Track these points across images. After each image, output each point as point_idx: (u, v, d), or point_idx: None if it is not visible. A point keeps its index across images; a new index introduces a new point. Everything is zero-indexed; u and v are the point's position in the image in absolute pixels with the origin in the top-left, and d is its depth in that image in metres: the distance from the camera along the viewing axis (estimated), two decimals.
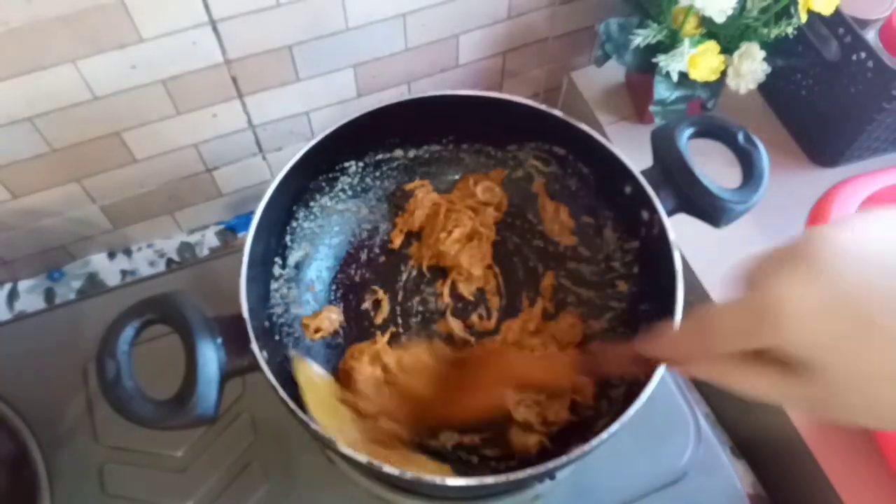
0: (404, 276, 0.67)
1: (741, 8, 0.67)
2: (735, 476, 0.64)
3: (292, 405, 0.48)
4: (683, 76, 0.69)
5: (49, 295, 0.79)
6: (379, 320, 0.65)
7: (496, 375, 0.54)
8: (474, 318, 0.66)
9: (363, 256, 0.68)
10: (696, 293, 0.70)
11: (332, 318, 0.64)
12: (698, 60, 0.67)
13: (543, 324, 0.64)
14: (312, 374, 0.58)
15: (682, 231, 0.55)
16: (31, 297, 0.79)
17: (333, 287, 0.66)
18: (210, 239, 0.84)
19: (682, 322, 0.35)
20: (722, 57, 0.67)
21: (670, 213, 0.56)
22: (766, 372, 0.31)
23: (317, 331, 0.63)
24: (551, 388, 0.57)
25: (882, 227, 0.28)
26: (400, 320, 0.66)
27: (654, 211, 0.56)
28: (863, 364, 0.27)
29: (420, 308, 0.66)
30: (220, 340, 0.48)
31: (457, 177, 0.70)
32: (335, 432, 0.51)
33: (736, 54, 0.68)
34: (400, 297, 0.67)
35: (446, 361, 0.58)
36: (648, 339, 0.38)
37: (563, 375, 0.52)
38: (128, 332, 0.47)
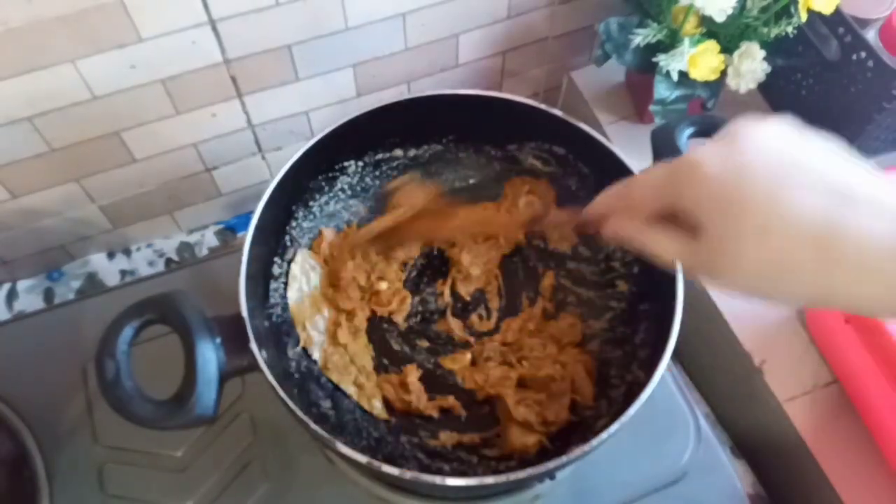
0: (403, 276, 0.67)
1: (741, 7, 0.67)
2: (735, 476, 0.64)
3: (292, 405, 0.48)
4: (683, 75, 0.69)
5: (48, 295, 0.79)
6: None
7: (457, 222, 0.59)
8: (474, 318, 0.65)
9: None
10: (696, 292, 0.70)
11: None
12: (698, 60, 0.67)
13: (543, 323, 0.64)
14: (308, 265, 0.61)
15: None
16: (30, 297, 0.78)
17: None
18: (209, 239, 0.84)
19: (610, 187, 0.41)
20: (722, 56, 0.67)
21: None
22: (672, 234, 0.36)
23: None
24: (499, 233, 0.67)
25: (796, 130, 0.33)
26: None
27: None
28: (740, 221, 0.32)
29: (420, 308, 0.66)
30: (219, 340, 0.48)
31: (456, 177, 0.70)
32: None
33: (736, 54, 0.67)
34: None
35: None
36: (590, 207, 0.42)
37: (510, 227, 0.62)
38: (127, 332, 0.47)
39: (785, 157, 0.32)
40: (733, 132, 0.34)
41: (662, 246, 0.37)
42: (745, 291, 0.34)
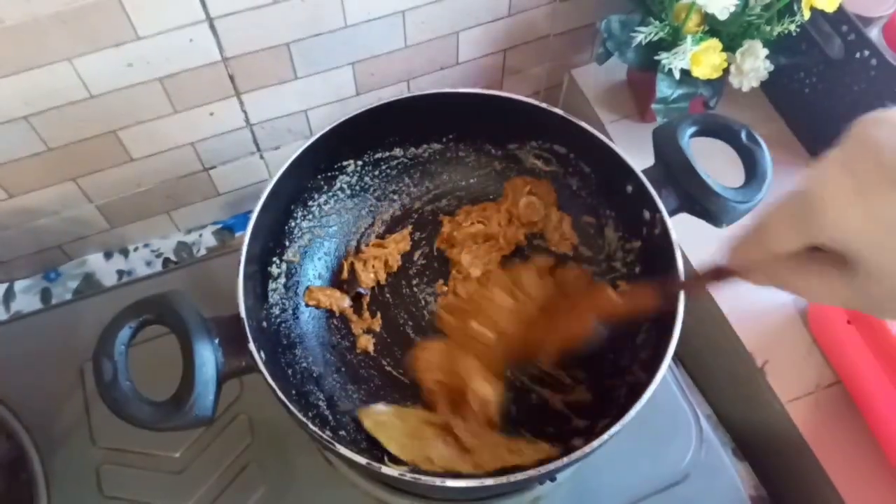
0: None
1: (744, 5, 0.66)
2: (737, 478, 0.64)
3: (290, 406, 0.48)
4: (686, 74, 0.68)
5: (45, 295, 0.78)
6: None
7: (581, 306, 0.54)
8: None
9: None
10: (698, 293, 0.69)
11: (337, 296, 0.64)
12: (701, 58, 0.66)
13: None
14: (377, 416, 0.57)
15: (684, 231, 0.54)
16: (27, 298, 0.78)
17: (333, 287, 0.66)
18: (207, 238, 0.83)
19: (740, 234, 0.36)
20: (724, 54, 0.67)
21: (672, 213, 0.56)
22: (822, 271, 0.31)
23: (315, 302, 0.63)
24: (631, 316, 0.56)
25: None
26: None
27: (655, 210, 0.56)
28: (893, 258, 0.27)
29: (419, 307, 0.66)
30: (217, 341, 0.48)
31: (456, 176, 0.70)
32: (424, 460, 0.53)
33: (738, 52, 0.67)
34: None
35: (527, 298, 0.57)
36: (723, 256, 0.38)
37: (644, 306, 0.51)
38: (125, 333, 0.47)
39: None
40: (854, 136, 0.29)
41: (821, 292, 0.32)
42: None
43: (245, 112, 0.72)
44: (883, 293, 0.29)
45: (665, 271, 0.54)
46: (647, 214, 0.57)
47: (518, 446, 0.55)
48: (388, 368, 0.63)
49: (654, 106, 0.70)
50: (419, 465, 0.54)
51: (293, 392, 0.55)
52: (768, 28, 0.67)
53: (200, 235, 0.84)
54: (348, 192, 0.67)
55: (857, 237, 0.28)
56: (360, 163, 0.66)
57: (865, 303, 0.31)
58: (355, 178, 0.67)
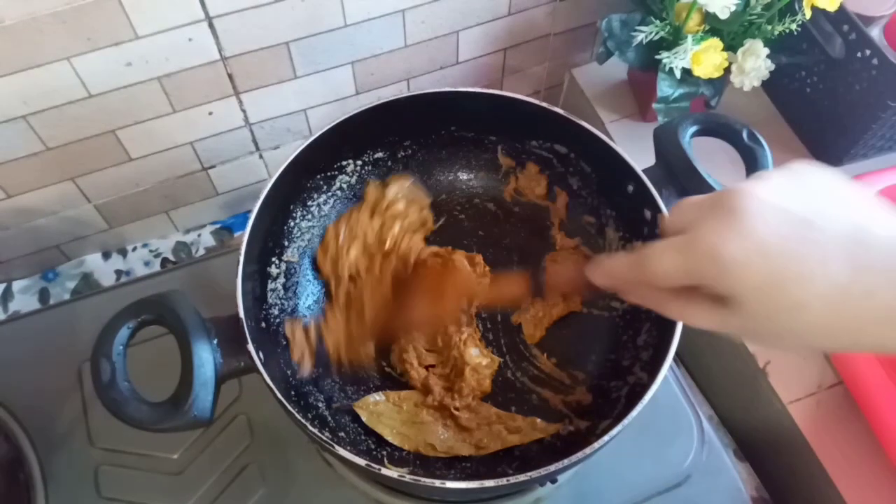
0: None
1: (745, 4, 0.66)
2: (739, 479, 0.63)
3: (289, 407, 0.48)
4: (686, 73, 0.68)
5: (43, 295, 0.78)
6: None
7: (452, 289, 0.60)
8: None
9: None
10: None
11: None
12: (701, 57, 0.66)
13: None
14: (373, 406, 0.58)
15: None
16: (25, 298, 0.78)
17: None
18: (206, 238, 0.83)
19: (622, 256, 0.39)
20: (725, 54, 0.67)
21: None
22: (699, 303, 0.36)
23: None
24: (504, 303, 0.63)
25: (792, 183, 0.33)
26: None
27: (656, 210, 0.55)
28: (775, 300, 0.32)
29: None
30: (216, 341, 0.48)
31: (456, 176, 0.70)
32: (426, 446, 0.56)
33: (740, 51, 0.67)
34: None
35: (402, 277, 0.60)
36: (595, 267, 0.41)
37: (514, 294, 0.55)
38: (123, 333, 0.46)
39: (795, 219, 0.32)
40: (730, 207, 0.33)
41: (696, 318, 0.36)
42: (791, 350, 0.35)
43: (244, 111, 0.72)
44: (760, 325, 0.34)
45: None
46: (647, 214, 0.57)
47: (516, 423, 0.58)
48: (388, 370, 0.63)
49: (655, 105, 0.70)
50: (422, 452, 0.56)
51: (292, 393, 0.55)
52: (769, 27, 0.67)
53: (199, 235, 0.83)
54: (348, 191, 0.67)
55: (749, 289, 0.33)
56: (359, 162, 0.66)
57: (747, 335, 0.36)
58: (355, 177, 0.67)
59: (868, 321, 0.31)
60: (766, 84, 0.70)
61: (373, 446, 0.57)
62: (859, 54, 0.66)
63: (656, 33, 0.68)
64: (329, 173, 0.65)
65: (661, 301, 0.38)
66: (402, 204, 0.64)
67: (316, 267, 0.64)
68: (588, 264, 0.42)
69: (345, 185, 0.66)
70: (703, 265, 0.33)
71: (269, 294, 0.60)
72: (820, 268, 0.31)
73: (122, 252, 0.81)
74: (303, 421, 0.47)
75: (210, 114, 0.70)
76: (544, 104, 0.60)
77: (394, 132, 0.65)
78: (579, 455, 0.47)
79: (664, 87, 0.69)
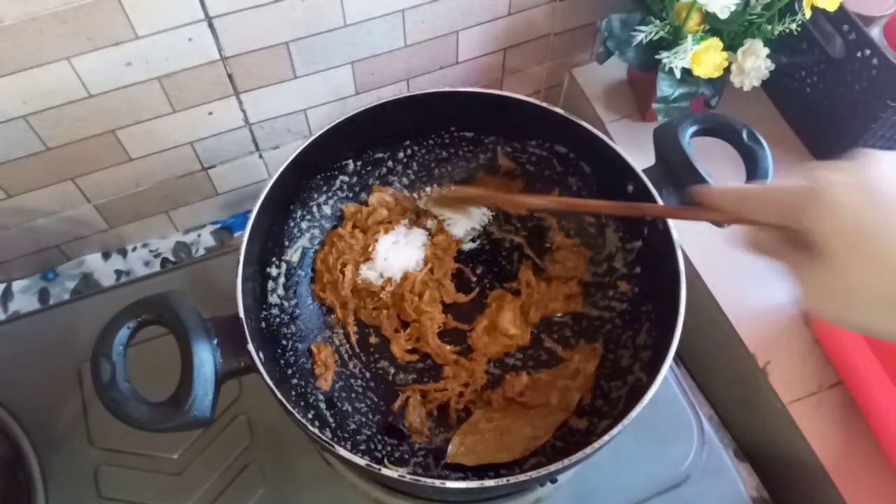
0: None
1: (744, 4, 0.66)
2: (739, 479, 0.63)
3: (290, 407, 0.48)
4: (686, 73, 0.68)
5: (43, 295, 0.78)
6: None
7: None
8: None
9: None
10: (699, 293, 0.69)
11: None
12: (701, 57, 0.66)
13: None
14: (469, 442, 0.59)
15: (685, 231, 0.54)
16: (25, 298, 0.78)
17: None
18: (206, 238, 0.83)
19: (736, 186, 0.40)
20: (725, 54, 0.67)
21: None
22: (792, 249, 0.36)
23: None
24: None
25: None
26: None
27: None
28: (861, 258, 0.32)
29: None
30: (216, 341, 0.48)
31: (456, 176, 0.69)
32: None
33: (739, 51, 0.67)
34: None
35: None
36: (706, 188, 0.41)
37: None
38: (123, 333, 0.46)
39: None
40: (859, 162, 0.33)
41: (786, 261, 0.36)
42: (853, 324, 0.34)
43: (244, 111, 0.72)
44: (841, 284, 0.33)
45: (666, 271, 0.54)
46: None
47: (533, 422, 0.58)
48: (388, 370, 0.63)
49: (654, 105, 0.70)
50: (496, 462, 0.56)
51: (292, 393, 0.55)
52: (769, 27, 0.67)
53: (199, 235, 0.83)
54: (348, 191, 0.67)
55: (842, 238, 0.33)
56: (359, 162, 0.66)
57: (824, 292, 0.35)
58: (355, 177, 0.67)
59: None
60: (766, 84, 0.70)
61: (373, 446, 0.57)
62: (859, 54, 0.66)
63: (656, 33, 0.68)
64: (329, 173, 0.65)
65: (773, 247, 0.37)
66: (385, 212, 0.65)
67: (315, 297, 0.65)
68: (697, 187, 0.42)
69: (345, 185, 0.66)
70: (805, 203, 0.34)
71: (270, 294, 0.60)
72: None
73: (122, 252, 0.81)
74: (303, 421, 0.47)
75: (210, 114, 0.70)
76: (544, 104, 0.60)
77: (394, 132, 0.65)
78: (579, 455, 0.47)
79: (664, 87, 0.69)
